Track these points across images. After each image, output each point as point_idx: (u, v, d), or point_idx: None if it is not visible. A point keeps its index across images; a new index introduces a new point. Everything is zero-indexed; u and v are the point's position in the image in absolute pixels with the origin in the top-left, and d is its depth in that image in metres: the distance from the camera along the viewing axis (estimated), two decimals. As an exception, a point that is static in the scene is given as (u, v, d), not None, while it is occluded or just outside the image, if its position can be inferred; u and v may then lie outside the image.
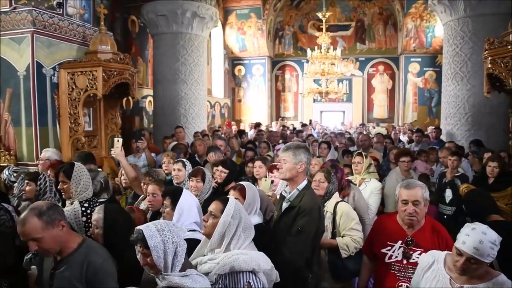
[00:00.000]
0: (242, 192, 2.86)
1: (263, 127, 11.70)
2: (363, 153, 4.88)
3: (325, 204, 3.45)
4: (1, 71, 5.82)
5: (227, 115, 16.08)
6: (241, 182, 3.63)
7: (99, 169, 5.02)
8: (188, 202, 2.94)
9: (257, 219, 2.85)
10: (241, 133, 9.77)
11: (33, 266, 2.64)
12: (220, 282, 2.10)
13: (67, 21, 6.30)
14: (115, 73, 5.96)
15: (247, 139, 9.24)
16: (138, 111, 10.10)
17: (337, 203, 3.46)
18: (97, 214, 2.59)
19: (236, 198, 2.76)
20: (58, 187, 3.41)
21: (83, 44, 6.53)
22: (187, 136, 8.19)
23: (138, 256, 1.99)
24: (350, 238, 3.30)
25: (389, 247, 2.67)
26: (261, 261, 2.15)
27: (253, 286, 2.07)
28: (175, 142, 6.68)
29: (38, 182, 3.68)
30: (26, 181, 3.88)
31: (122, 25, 9.73)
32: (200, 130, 8.81)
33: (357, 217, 3.49)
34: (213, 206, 2.27)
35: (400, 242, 2.64)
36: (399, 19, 15.00)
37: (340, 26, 16.19)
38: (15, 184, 4.28)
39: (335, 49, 12.94)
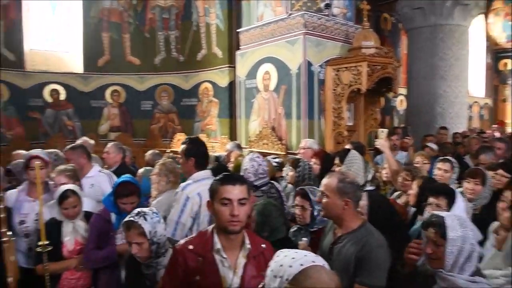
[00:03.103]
0: None
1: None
2: None
3: None
4: (278, 70, 6.58)
5: (488, 116, 14.01)
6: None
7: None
8: (463, 206, 2.63)
9: None
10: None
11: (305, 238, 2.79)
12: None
13: (332, 21, 6.63)
14: (378, 67, 5.93)
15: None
16: (389, 110, 9.90)
17: None
18: (362, 201, 2.59)
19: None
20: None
21: (345, 42, 6.74)
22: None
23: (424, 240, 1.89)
24: None
25: None
26: None
27: None
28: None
29: (297, 169, 3.93)
30: (290, 167, 4.28)
31: (375, 23, 9.70)
32: (460, 132, 7.89)
33: None
34: None
35: None
36: None
37: None
38: (284, 169, 4.71)
39: None
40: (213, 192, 1.87)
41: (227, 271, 1.83)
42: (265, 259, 1.90)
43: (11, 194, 3.34)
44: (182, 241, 1.97)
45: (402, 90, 9.77)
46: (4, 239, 2.07)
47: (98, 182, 3.81)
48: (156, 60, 9.48)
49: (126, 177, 2.93)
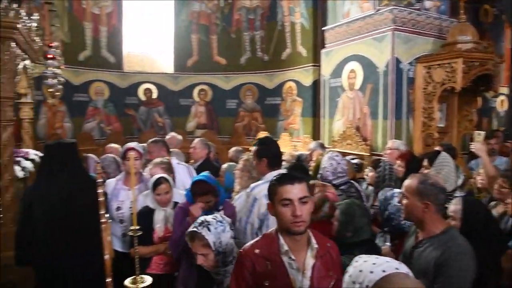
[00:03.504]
0: None
1: None
2: None
3: None
4: (364, 69, 6.38)
5: None
6: None
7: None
8: None
9: None
10: None
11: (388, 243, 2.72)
12: None
13: (424, 16, 6.23)
14: (476, 64, 5.43)
15: None
16: (487, 111, 9.03)
17: None
18: (455, 206, 2.48)
19: None
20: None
21: (438, 37, 6.29)
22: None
23: None
24: None
25: None
26: None
27: None
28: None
29: (377, 170, 3.79)
30: (370, 167, 4.20)
31: (473, 16, 8.90)
32: None
33: None
34: None
35: None
36: None
37: None
38: (366, 170, 4.57)
39: None
40: (272, 193, 1.80)
41: (295, 273, 1.77)
42: (332, 258, 1.86)
43: (110, 183, 3.66)
44: (247, 246, 1.92)
45: (504, 90, 8.88)
46: (103, 220, 2.27)
47: (177, 173, 3.98)
48: (241, 60, 9.76)
49: (202, 176, 2.92)
